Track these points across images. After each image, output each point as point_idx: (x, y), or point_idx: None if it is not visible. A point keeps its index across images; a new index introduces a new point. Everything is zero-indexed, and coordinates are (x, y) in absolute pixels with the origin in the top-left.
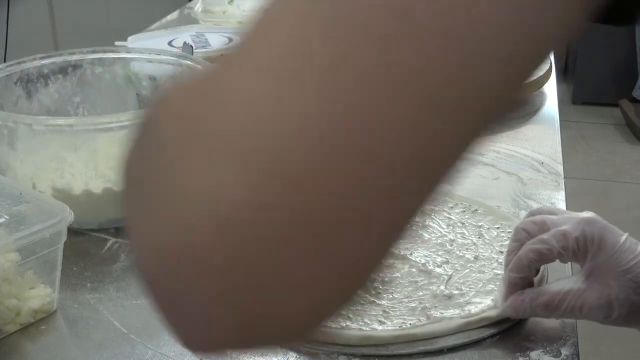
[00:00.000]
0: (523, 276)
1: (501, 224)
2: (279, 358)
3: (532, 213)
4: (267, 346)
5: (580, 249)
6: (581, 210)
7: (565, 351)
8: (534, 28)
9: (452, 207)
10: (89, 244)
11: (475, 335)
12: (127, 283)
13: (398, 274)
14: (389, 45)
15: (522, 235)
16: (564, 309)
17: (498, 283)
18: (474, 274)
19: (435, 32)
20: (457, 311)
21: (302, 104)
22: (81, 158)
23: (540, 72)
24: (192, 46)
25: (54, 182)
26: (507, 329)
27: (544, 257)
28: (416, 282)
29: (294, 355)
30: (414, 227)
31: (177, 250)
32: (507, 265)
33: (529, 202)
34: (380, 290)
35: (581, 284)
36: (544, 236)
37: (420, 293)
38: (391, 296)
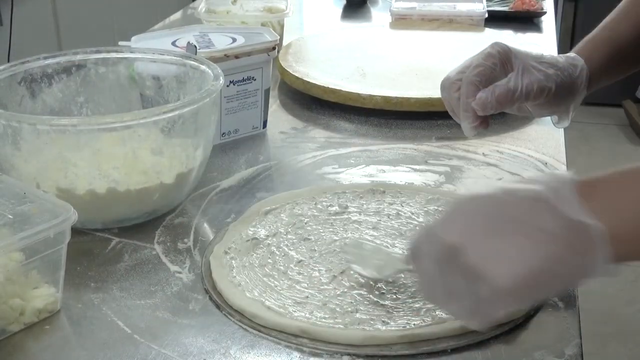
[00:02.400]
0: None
1: None
2: (283, 358)
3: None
4: None
5: (504, 58)
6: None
7: (568, 351)
8: None
9: None
10: (92, 243)
11: (478, 336)
12: (130, 283)
13: (401, 275)
14: None
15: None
16: (519, 93)
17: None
18: None
19: None
20: None
21: None
22: (85, 158)
23: None
24: (195, 46)
25: (58, 182)
26: (511, 330)
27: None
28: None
29: (297, 355)
30: (417, 228)
31: None
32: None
33: None
34: (384, 291)
35: (519, 76)
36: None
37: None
38: (395, 297)
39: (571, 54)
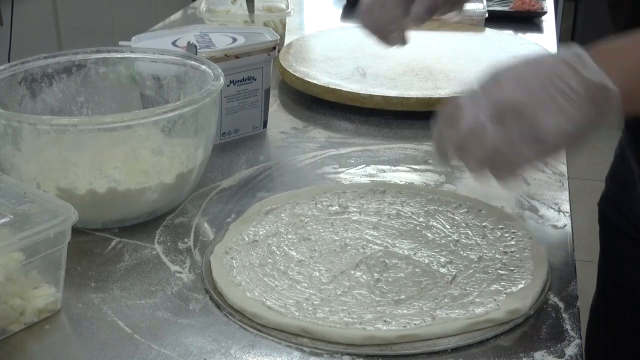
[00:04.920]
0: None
1: (505, 224)
2: (283, 358)
3: None
4: None
5: None
6: (586, 210)
7: (569, 352)
8: None
9: (456, 208)
10: (93, 243)
11: (479, 336)
12: (131, 283)
13: (402, 274)
14: None
15: None
16: None
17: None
18: (477, 274)
19: None
20: (461, 312)
21: None
22: (85, 158)
23: None
24: (196, 46)
25: (58, 182)
26: (511, 329)
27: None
28: (420, 282)
29: (298, 355)
30: (417, 228)
31: None
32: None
33: (532, 202)
34: (384, 291)
35: None
36: None
37: (425, 293)
38: (395, 296)
39: None
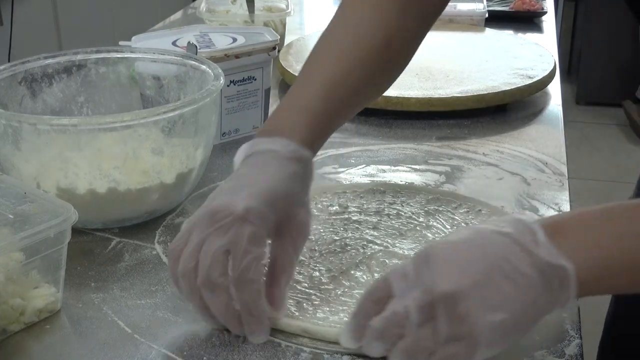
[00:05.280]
0: None
1: None
2: (283, 358)
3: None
4: None
5: None
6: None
7: (569, 351)
8: None
9: (455, 208)
10: (93, 243)
11: None
12: (131, 283)
13: None
14: None
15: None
16: None
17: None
18: None
19: None
20: None
21: None
22: (85, 158)
23: (544, 72)
24: (196, 46)
25: (58, 182)
26: None
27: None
28: None
29: (298, 355)
30: (417, 228)
31: None
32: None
33: (533, 203)
34: None
35: None
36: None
37: None
38: None
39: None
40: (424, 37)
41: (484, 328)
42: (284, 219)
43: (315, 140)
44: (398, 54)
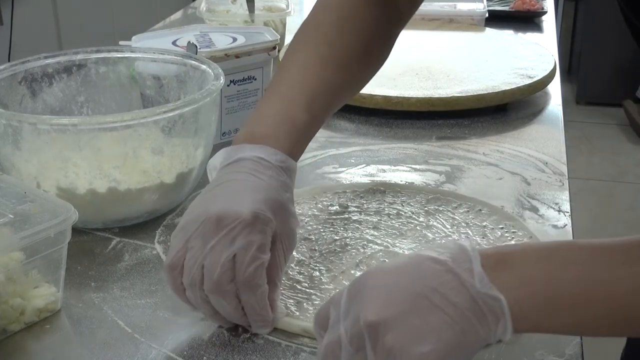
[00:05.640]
0: None
1: (505, 224)
2: (283, 358)
3: None
4: None
5: None
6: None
7: (569, 351)
8: None
9: (456, 207)
10: (93, 243)
11: None
12: (131, 282)
13: None
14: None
15: None
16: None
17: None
18: None
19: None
20: None
21: None
22: (85, 157)
23: (545, 72)
24: (196, 46)
25: (58, 182)
26: None
27: None
28: None
29: (298, 355)
30: (417, 228)
31: None
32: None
33: (533, 202)
34: None
35: None
36: None
37: None
38: None
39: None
40: (398, 35)
41: (411, 359)
42: (279, 227)
43: (297, 150)
44: (376, 56)
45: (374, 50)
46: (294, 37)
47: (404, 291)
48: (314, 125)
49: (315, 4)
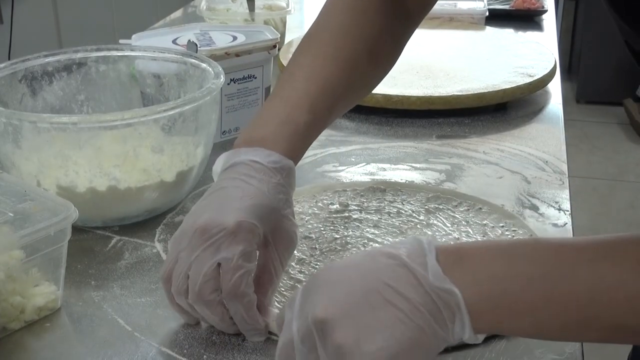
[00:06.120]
0: None
1: (505, 223)
2: None
3: None
4: None
5: None
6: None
7: (569, 349)
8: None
9: (456, 206)
10: (93, 241)
11: None
12: (131, 281)
13: None
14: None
15: None
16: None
17: None
18: None
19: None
20: None
21: None
22: (85, 156)
23: (545, 70)
24: (196, 44)
25: (59, 180)
26: None
27: None
28: None
29: None
30: (418, 226)
31: None
32: None
33: (533, 201)
34: None
35: None
36: None
37: None
38: None
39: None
40: (410, 36)
41: (362, 357)
42: (270, 231)
43: (297, 150)
44: (385, 57)
45: (382, 51)
46: (300, 42)
47: (354, 286)
48: (316, 125)
49: (323, 7)
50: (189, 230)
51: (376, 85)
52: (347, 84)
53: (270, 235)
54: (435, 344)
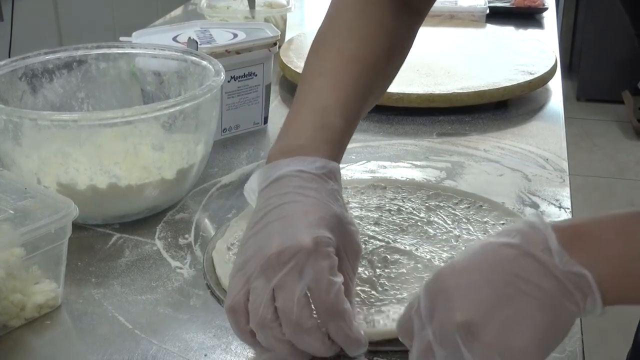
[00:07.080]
0: None
1: (506, 220)
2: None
3: None
4: None
5: None
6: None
7: (569, 347)
8: None
9: (457, 203)
10: (93, 239)
11: None
12: (131, 278)
13: (404, 270)
14: None
15: None
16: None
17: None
18: None
19: None
20: None
21: None
22: (86, 153)
23: (545, 68)
24: (196, 42)
25: (59, 178)
26: None
27: None
28: (422, 278)
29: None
30: (418, 223)
31: None
32: None
33: (533, 199)
34: (387, 287)
35: None
36: None
37: None
38: (397, 293)
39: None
40: (417, 32)
41: (512, 352)
42: (340, 242)
43: (336, 156)
44: (398, 53)
45: (397, 50)
46: (313, 45)
47: (487, 285)
48: (348, 131)
49: (330, 6)
50: (258, 258)
51: (392, 82)
52: (370, 87)
53: (341, 245)
54: (570, 322)
